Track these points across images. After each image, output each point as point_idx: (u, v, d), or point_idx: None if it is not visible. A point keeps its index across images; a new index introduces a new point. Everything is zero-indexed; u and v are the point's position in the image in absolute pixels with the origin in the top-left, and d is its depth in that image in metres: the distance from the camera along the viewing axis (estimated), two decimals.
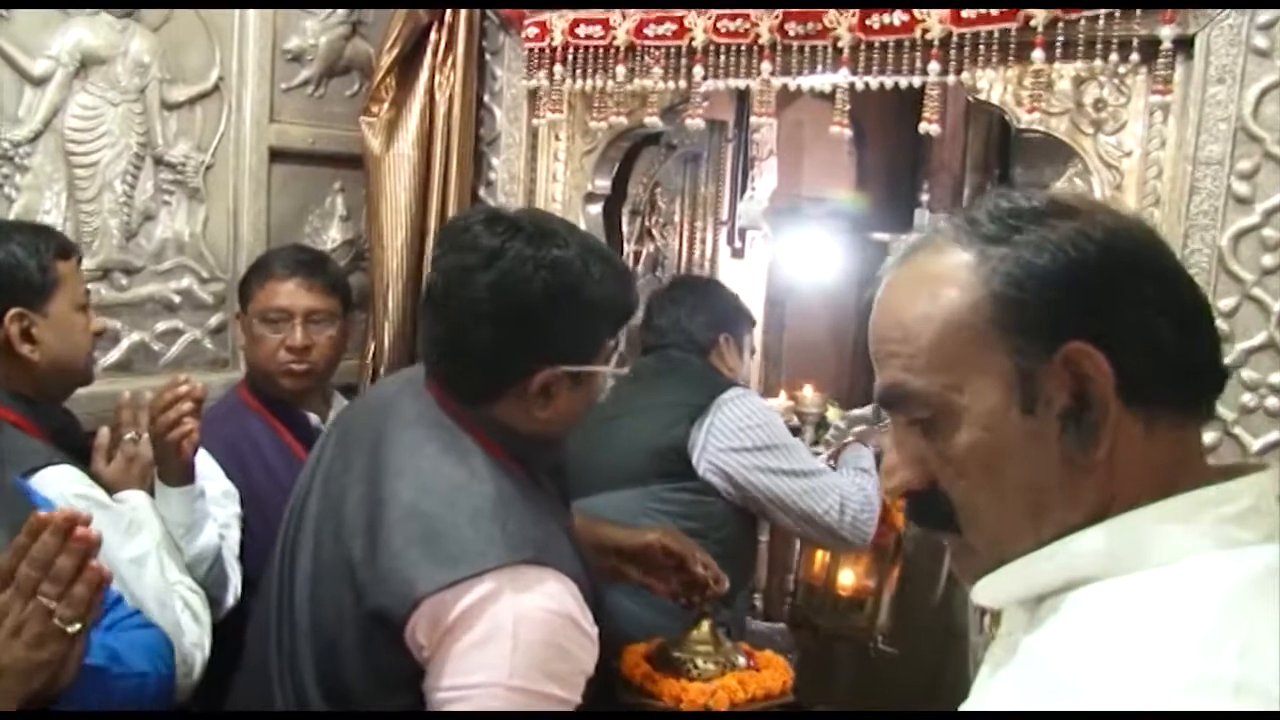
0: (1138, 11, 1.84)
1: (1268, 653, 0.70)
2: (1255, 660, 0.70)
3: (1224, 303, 1.84)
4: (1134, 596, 0.77)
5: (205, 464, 1.88)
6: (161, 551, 1.67)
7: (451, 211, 2.59)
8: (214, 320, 2.49)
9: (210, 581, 1.82)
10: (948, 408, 0.84)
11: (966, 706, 0.89)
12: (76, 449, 1.74)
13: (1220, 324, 1.74)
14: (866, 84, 2.10)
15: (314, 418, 2.14)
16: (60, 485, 1.56)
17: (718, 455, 2.16)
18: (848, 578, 2.43)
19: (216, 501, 1.91)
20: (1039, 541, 0.83)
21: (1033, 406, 0.81)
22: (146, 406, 1.80)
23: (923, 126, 2.07)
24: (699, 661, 1.64)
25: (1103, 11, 1.85)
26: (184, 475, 1.79)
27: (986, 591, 0.88)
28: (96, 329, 1.85)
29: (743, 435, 2.15)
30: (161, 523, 1.73)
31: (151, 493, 1.77)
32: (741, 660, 1.68)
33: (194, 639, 1.63)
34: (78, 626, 1.09)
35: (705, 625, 1.70)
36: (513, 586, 1.26)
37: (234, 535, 1.95)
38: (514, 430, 1.40)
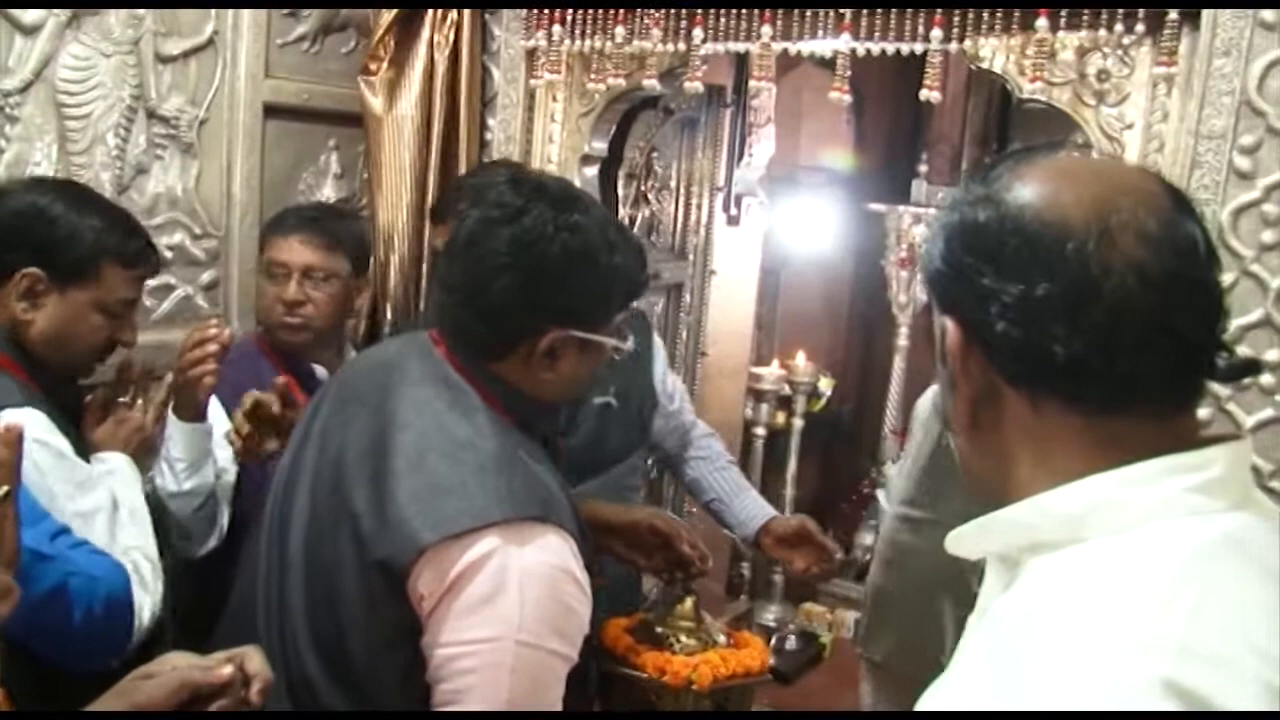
0: None
1: (1216, 615, 0.72)
2: (1203, 622, 0.72)
3: (1222, 278, 1.82)
4: (1093, 564, 0.78)
5: (212, 406, 1.92)
6: (118, 513, 1.66)
7: (460, 171, 2.58)
8: (206, 276, 2.48)
9: (198, 519, 1.91)
10: None
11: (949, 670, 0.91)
12: (66, 402, 1.73)
13: None
14: (868, 50, 2.08)
15: (322, 371, 2.15)
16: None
17: None
18: None
19: (218, 443, 1.94)
20: (1005, 499, 0.86)
21: (944, 358, 0.89)
22: (144, 373, 1.88)
23: (923, 94, 2.05)
24: (681, 637, 1.67)
25: None
26: (196, 413, 1.88)
27: (956, 543, 0.92)
28: (124, 340, 1.78)
29: None
30: (136, 489, 1.73)
31: (136, 457, 1.78)
32: (722, 638, 1.71)
33: (135, 605, 1.61)
34: (5, 489, 1.16)
35: (689, 602, 1.73)
36: (517, 541, 1.27)
37: (228, 478, 1.99)
38: (518, 390, 1.42)
